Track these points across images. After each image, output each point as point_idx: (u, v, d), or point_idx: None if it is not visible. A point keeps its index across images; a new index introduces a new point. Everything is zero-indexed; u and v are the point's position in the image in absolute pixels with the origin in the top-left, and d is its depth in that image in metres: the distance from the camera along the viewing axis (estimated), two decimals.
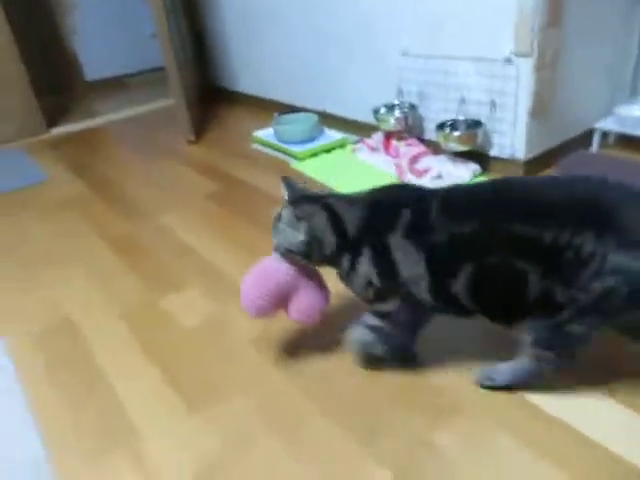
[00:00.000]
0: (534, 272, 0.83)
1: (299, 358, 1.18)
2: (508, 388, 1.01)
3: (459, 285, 0.89)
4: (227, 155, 2.51)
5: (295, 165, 2.28)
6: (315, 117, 2.53)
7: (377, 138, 2.23)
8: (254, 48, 3.05)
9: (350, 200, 1.02)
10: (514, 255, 0.84)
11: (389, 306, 1.00)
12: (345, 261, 0.99)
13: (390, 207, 0.97)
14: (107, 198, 2.17)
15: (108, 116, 3.44)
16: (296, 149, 2.36)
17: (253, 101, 3.23)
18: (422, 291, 0.94)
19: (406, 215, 0.93)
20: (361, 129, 2.44)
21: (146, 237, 1.81)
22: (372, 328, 1.06)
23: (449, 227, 0.89)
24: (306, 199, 1.03)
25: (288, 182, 1.06)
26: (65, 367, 1.25)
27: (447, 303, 0.94)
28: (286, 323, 1.19)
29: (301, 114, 2.64)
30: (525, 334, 0.92)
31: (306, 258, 1.02)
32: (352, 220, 0.98)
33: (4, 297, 1.55)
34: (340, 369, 1.13)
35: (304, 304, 1.07)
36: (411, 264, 0.92)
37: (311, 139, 2.45)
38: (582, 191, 0.86)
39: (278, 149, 2.44)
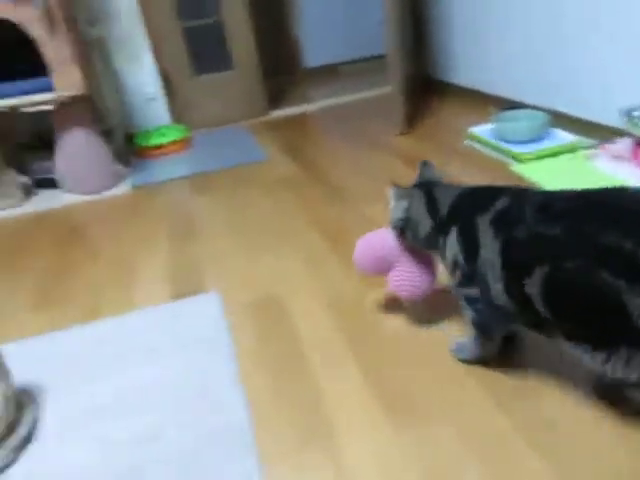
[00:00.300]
0: (631, 291, 0.73)
1: (520, 388, 1.04)
2: None
3: (534, 286, 0.85)
4: (438, 151, 2.40)
5: (515, 167, 2.07)
6: (543, 115, 2.26)
7: (624, 145, 1.89)
8: (480, 37, 2.85)
9: (454, 187, 1.08)
10: (600, 265, 0.76)
11: (474, 292, 0.98)
12: (440, 243, 1.04)
13: (489, 192, 0.98)
14: (317, 182, 2.24)
15: (321, 102, 3.58)
16: (518, 150, 2.13)
17: (470, 95, 3.04)
18: (497, 282, 0.91)
19: (502, 203, 0.93)
20: (600, 132, 2.10)
21: (354, 226, 1.80)
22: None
23: (535, 224, 0.86)
24: (420, 183, 1.14)
25: (424, 165, 1.17)
26: (272, 342, 1.29)
27: (521, 305, 0.89)
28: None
29: (526, 111, 2.39)
30: None
31: (401, 236, 1.14)
32: (445, 202, 1.04)
33: (225, 260, 1.69)
34: (569, 414, 0.96)
35: (400, 277, 1.18)
36: (489, 250, 0.92)
37: (536, 140, 2.20)
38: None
39: (496, 148, 2.25)
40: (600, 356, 0.82)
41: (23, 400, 1.13)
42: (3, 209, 2.32)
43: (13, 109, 2.18)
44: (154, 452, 1.02)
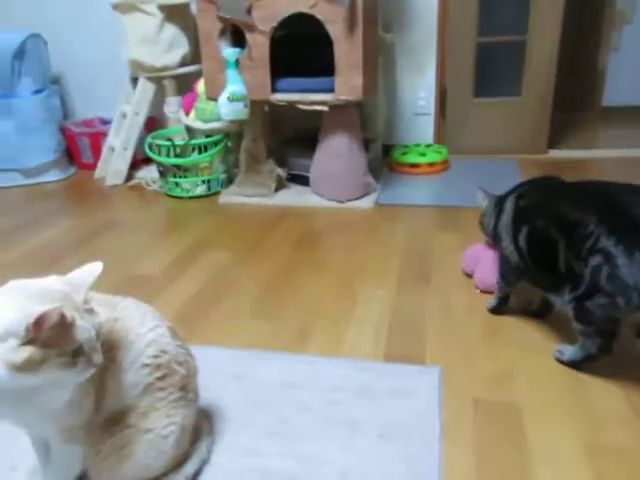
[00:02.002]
0: (562, 241, 1.11)
1: None
2: (573, 365, 1.18)
3: (522, 240, 1.23)
4: None
5: None
6: None
7: None
8: None
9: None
10: (552, 224, 1.15)
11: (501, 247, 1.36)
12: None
13: (521, 183, 1.40)
14: None
15: (619, 150, 2.90)
16: None
17: None
18: (508, 237, 1.30)
19: (524, 188, 1.35)
20: None
21: None
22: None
23: (530, 199, 1.28)
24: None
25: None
26: (492, 452, 0.94)
27: (519, 255, 1.26)
28: None
29: None
30: (568, 310, 1.15)
31: (482, 228, 1.53)
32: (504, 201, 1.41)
33: (456, 329, 1.37)
34: None
35: (480, 271, 1.55)
36: (507, 216, 1.31)
37: None
38: (606, 191, 1.14)
39: None
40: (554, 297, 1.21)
41: (201, 428, 1.01)
42: (255, 197, 2.40)
43: (291, 104, 2.20)
44: None
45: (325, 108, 2.15)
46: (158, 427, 0.87)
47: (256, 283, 1.68)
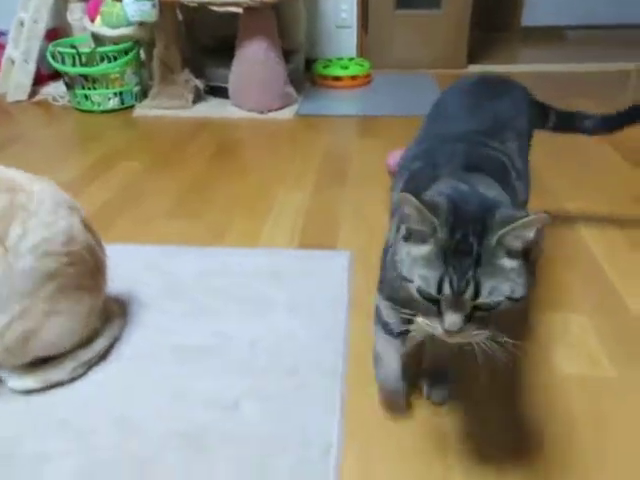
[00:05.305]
0: None
1: None
2: None
3: None
4: None
5: None
6: None
7: None
8: None
9: None
10: None
11: None
12: None
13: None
14: None
15: (534, 65, 3.01)
16: None
17: None
18: None
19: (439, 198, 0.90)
20: None
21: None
22: None
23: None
24: None
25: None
26: None
27: None
28: None
29: None
30: None
31: None
32: None
33: (368, 215, 1.42)
34: None
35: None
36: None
37: None
38: None
39: None
40: None
41: (112, 310, 1.02)
42: (172, 109, 2.30)
43: (202, 5, 2.09)
44: (221, 420, 0.84)
45: (239, 10, 2.06)
46: (66, 310, 0.87)
47: (173, 189, 1.65)
